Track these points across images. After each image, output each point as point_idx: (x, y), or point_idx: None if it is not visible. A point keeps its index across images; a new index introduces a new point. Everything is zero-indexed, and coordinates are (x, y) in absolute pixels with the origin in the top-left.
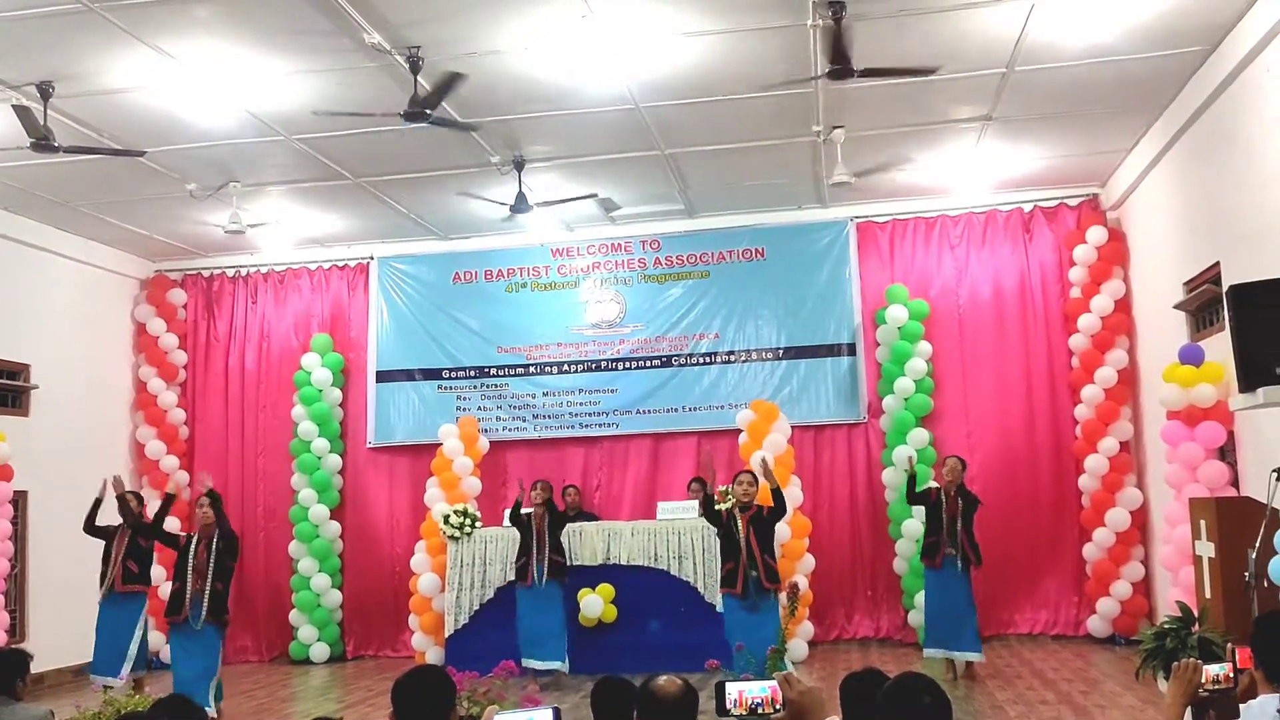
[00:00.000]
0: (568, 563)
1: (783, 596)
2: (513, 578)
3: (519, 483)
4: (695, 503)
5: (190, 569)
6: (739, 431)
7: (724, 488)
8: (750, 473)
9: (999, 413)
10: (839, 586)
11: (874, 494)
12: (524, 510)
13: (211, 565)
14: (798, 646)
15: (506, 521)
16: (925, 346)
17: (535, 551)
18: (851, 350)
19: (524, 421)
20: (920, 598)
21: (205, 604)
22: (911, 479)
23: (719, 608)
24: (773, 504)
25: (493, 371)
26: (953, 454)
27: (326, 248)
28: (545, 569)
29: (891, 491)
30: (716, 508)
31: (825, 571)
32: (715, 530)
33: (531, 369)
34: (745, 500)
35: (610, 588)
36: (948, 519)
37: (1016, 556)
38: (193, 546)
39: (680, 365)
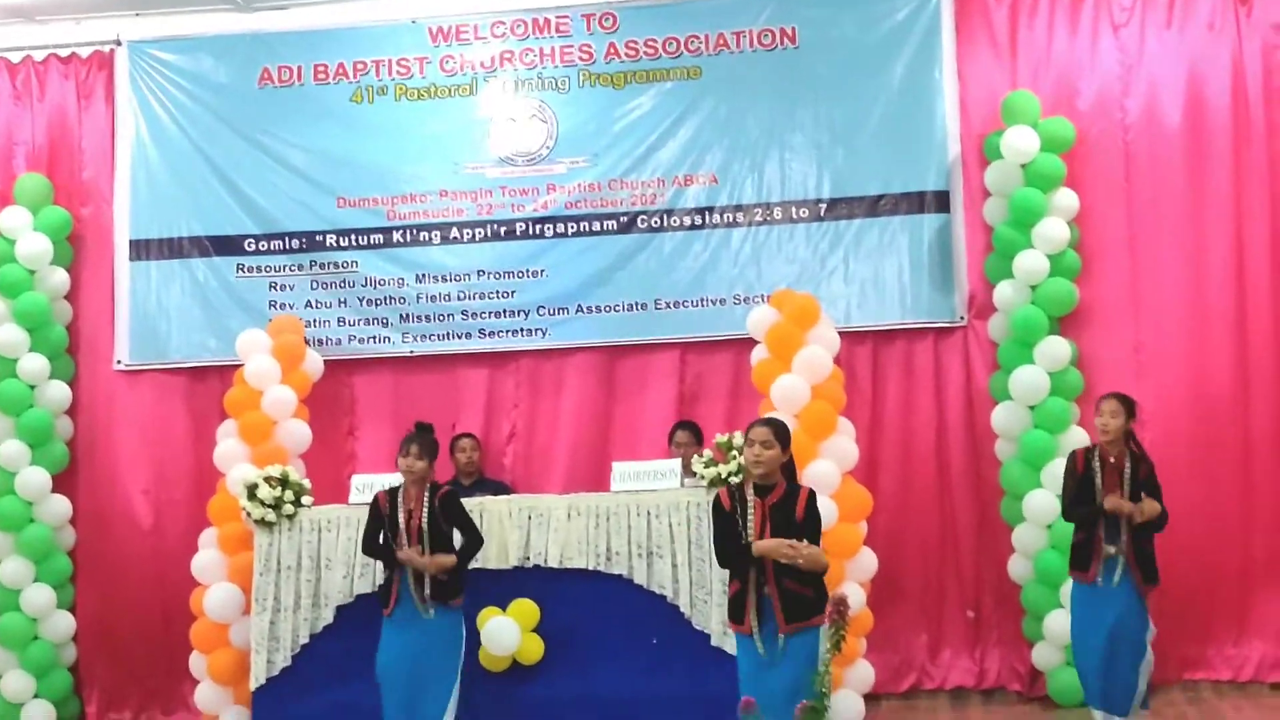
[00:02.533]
0: (458, 576)
1: (823, 627)
2: (365, 590)
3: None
4: (677, 464)
5: None
6: (751, 343)
7: (721, 440)
8: (771, 423)
9: (1191, 312)
10: (917, 603)
11: (977, 447)
12: (366, 479)
13: None
14: (847, 703)
15: (357, 495)
16: (1068, 198)
17: (409, 571)
18: (943, 204)
19: (385, 326)
20: (1052, 620)
21: None
22: (1093, 519)
23: (715, 640)
24: (806, 509)
25: (331, 241)
26: (1111, 391)
27: (37, 24)
28: (426, 588)
29: (1007, 444)
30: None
31: (894, 578)
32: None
33: (397, 237)
34: (760, 473)
35: (532, 607)
36: (1096, 514)
37: (1214, 557)
38: None
39: (652, 230)
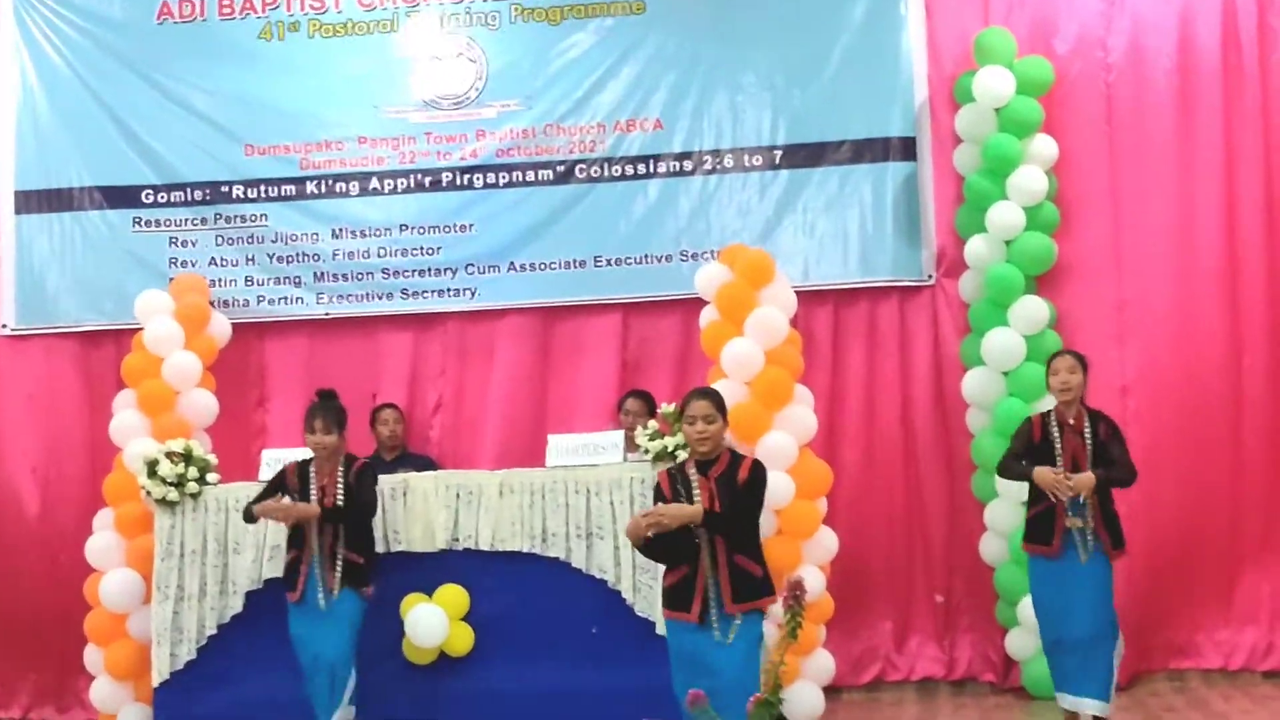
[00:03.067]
0: (374, 556)
1: (774, 607)
2: (277, 575)
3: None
4: (619, 436)
5: None
6: (699, 304)
7: (667, 410)
8: (709, 394)
9: (1178, 269)
10: (881, 587)
11: (947, 418)
12: (277, 454)
13: None
14: (805, 696)
15: (268, 472)
16: (1045, 145)
17: (314, 541)
18: (909, 152)
19: (298, 286)
20: (1028, 605)
21: None
22: (1026, 477)
23: (660, 628)
24: (749, 473)
25: (238, 192)
26: (1064, 350)
27: None
28: (334, 571)
29: (979, 414)
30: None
31: (856, 560)
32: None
33: (311, 187)
34: (706, 450)
35: (461, 593)
36: (1066, 469)
37: (1203, 535)
38: None
39: (591, 180)
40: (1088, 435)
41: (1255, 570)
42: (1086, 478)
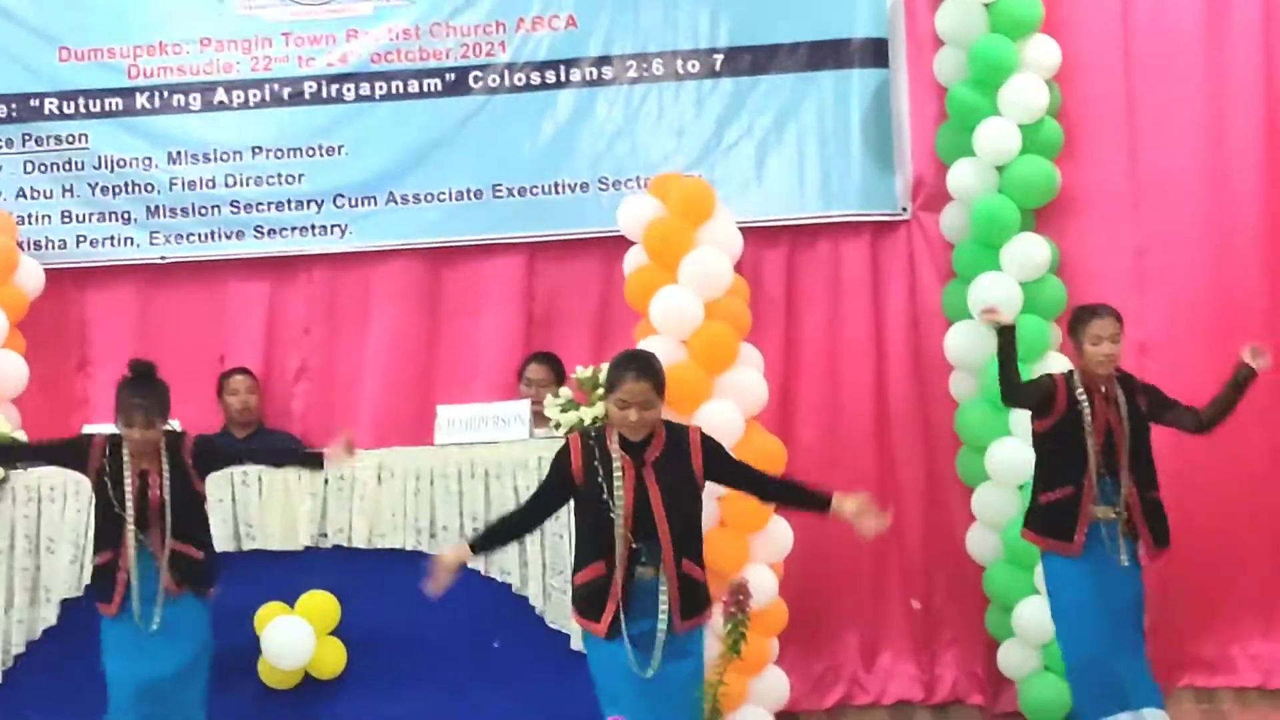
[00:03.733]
0: (213, 555)
1: (715, 615)
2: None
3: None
4: (525, 407)
5: None
6: (624, 243)
7: (583, 375)
8: (649, 372)
9: (1207, 203)
10: (847, 591)
11: (926, 383)
12: (98, 430)
13: None
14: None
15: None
16: (1046, 49)
17: (130, 537)
18: (880, 57)
19: (127, 224)
20: (1026, 611)
21: None
22: (1007, 346)
23: (576, 642)
24: (704, 450)
25: (51, 107)
26: (1101, 303)
27: None
28: (164, 575)
29: (965, 378)
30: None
31: (816, 558)
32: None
33: (142, 101)
34: (635, 436)
35: (330, 601)
36: (1099, 448)
37: (1238, 530)
38: None
39: (488, 91)
40: (1123, 407)
41: None
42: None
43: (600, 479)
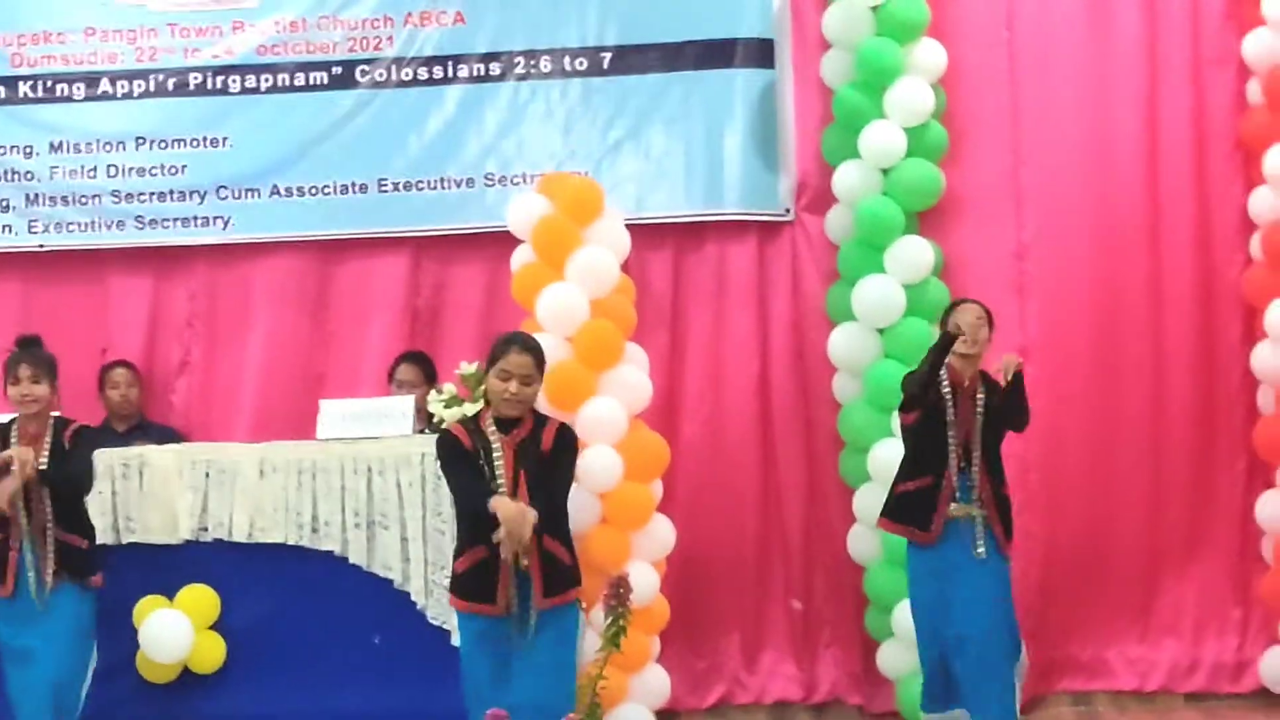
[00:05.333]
0: (94, 544)
1: (594, 612)
2: None
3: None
4: (409, 402)
5: None
6: (511, 241)
7: (466, 371)
8: (531, 349)
9: (1090, 207)
10: (728, 590)
11: (809, 383)
12: None
13: None
14: (631, 717)
15: None
16: (932, 52)
17: (21, 519)
18: (766, 57)
19: (5, 212)
20: (905, 612)
21: None
22: (942, 346)
23: (455, 638)
24: (555, 440)
25: None
26: (967, 298)
27: None
28: (45, 562)
29: (848, 379)
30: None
31: (697, 556)
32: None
33: (23, 89)
34: (513, 411)
35: (210, 595)
36: (958, 442)
37: (1115, 530)
38: None
39: (375, 85)
40: (980, 403)
41: (1177, 574)
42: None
43: (479, 460)
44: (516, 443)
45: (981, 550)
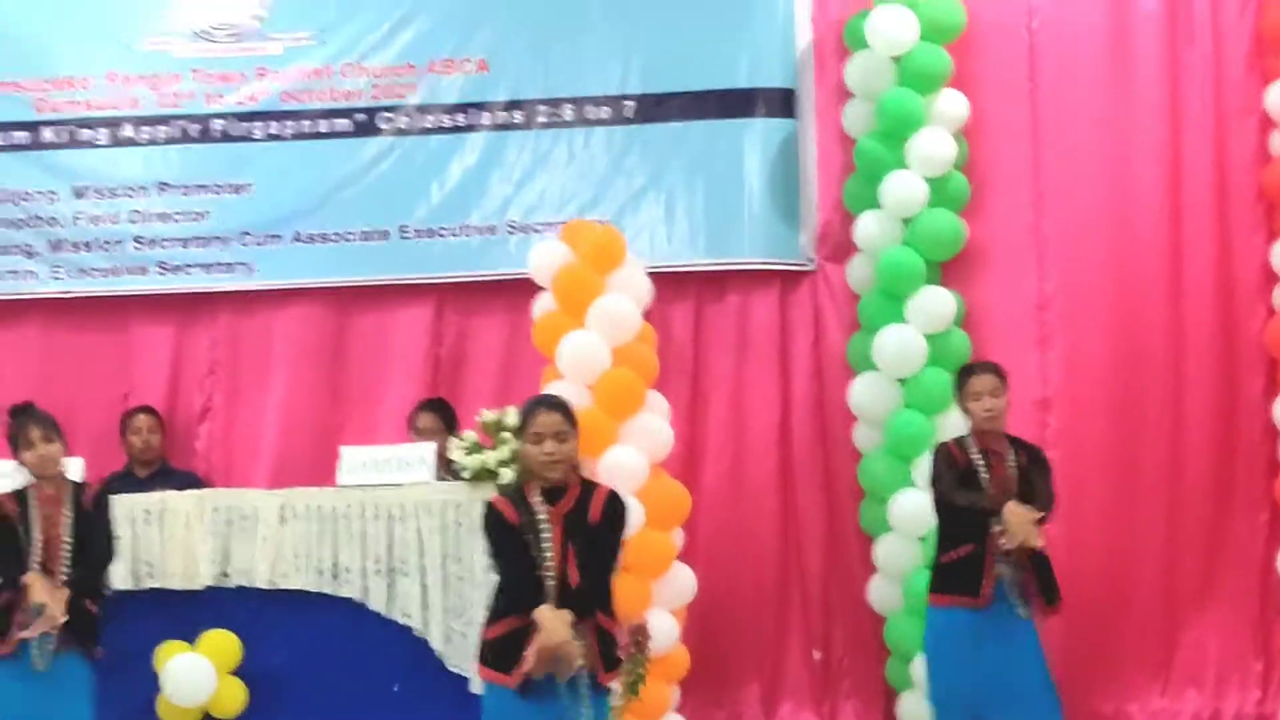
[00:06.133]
0: (103, 608)
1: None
2: None
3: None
4: (430, 450)
5: None
6: (532, 288)
7: (488, 419)
8: (559, 406)
9: (1113, 258)
10: (748, 639)
11: (829, 433)
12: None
13: None
14: None
15: None
16: (954, 103)
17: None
18: (788, 107)
19: (29, 257)
20: (921, 664)
21: None
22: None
23: (476, 686)
24: (604, 512)
25: None
26: (982, 363)
27: None
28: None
29: (869, 429)
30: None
31: (718, 604)
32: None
33: (48, 135)
34: (554, 473)
35: (232, 641)
36: (995, 505)
37: (1136, 580)
38: None
39: (399, 132)
40: (1011, 465)
41: (1198, 623)
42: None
43: (526, 534)
44: (564, 514)
45: (1024, 611)
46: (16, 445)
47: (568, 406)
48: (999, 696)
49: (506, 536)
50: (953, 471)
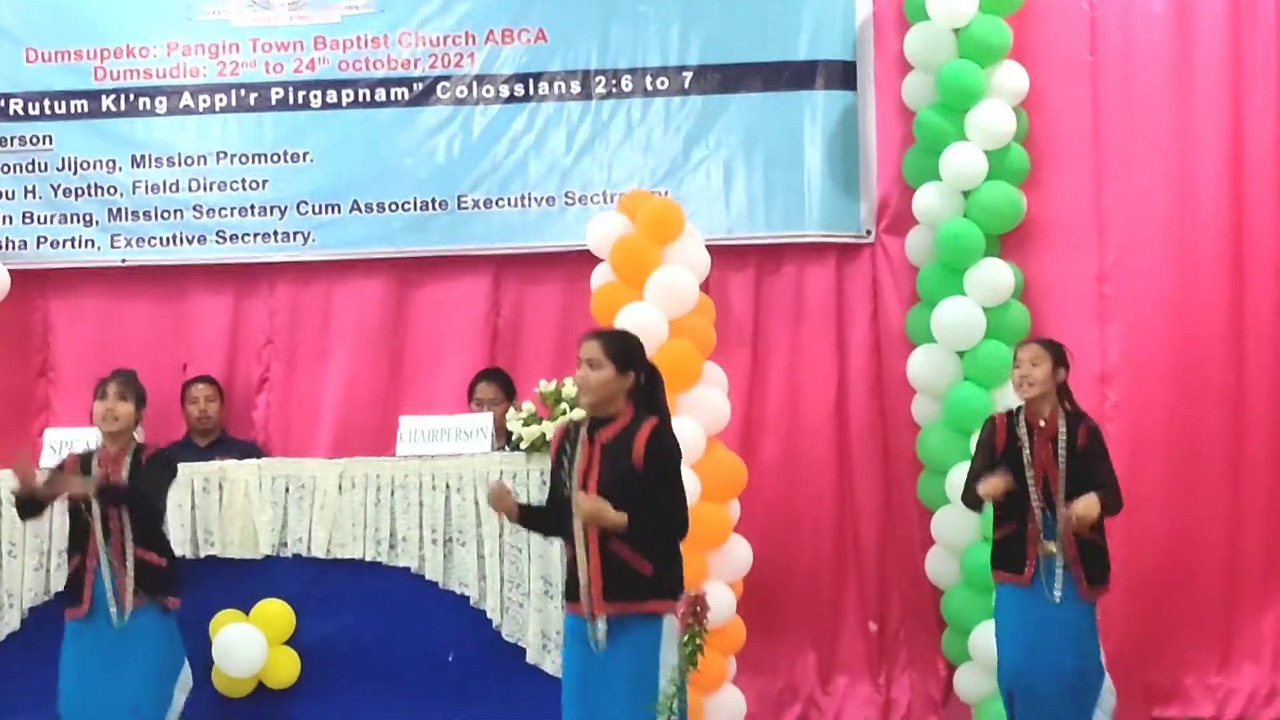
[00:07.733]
0: (174, 562)
1: (670, 620)
2: (60, 590)
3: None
4: (487, 420)
5: None
6: (591, 259)
7: (546, 389)
8: (599, 335)
9: (1173, 230)
10: (805, 611)
11: (888, 406)
12: (81, 439)
13: None
14: None
15: (52, 456)
16: (1014, 75)
17: (99, 540)
18: (848, 79)
19: (90, 226)
20: (983, 635)
21: None
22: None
23: (532, 655)
24: (651, 438)
25: (16, 108)
26: (1038, 337)
27: None
28: (124, 581)
29: (927, 401)
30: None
31: (774, 577)
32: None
33: (107, 104)
34: (589, 401)
35: (285, 610)
36: (1038, 483)
37: (1195, 557)
38: None
39: (456, 102)
40: (1061, 443)
41: (1257, 600)
42: (1087, 505)
43: (565, 458)
44: (602, 442)
45: (1058, 594)
46: (95, 396)
47: (612, 337)
48: (1039, 673)
49: (553, 460)
50: (982, 451)
